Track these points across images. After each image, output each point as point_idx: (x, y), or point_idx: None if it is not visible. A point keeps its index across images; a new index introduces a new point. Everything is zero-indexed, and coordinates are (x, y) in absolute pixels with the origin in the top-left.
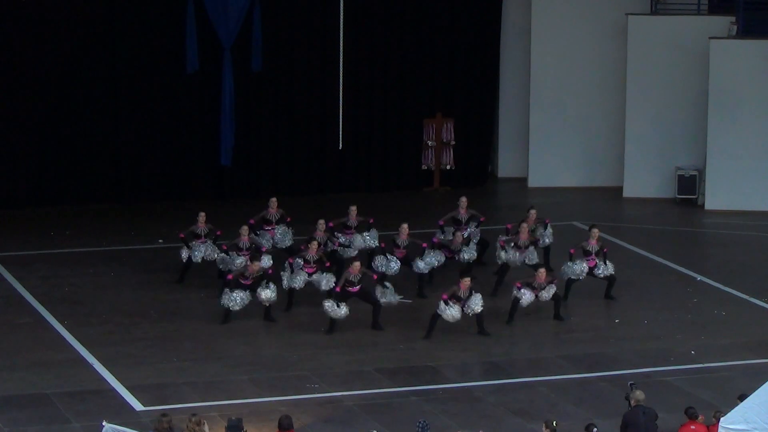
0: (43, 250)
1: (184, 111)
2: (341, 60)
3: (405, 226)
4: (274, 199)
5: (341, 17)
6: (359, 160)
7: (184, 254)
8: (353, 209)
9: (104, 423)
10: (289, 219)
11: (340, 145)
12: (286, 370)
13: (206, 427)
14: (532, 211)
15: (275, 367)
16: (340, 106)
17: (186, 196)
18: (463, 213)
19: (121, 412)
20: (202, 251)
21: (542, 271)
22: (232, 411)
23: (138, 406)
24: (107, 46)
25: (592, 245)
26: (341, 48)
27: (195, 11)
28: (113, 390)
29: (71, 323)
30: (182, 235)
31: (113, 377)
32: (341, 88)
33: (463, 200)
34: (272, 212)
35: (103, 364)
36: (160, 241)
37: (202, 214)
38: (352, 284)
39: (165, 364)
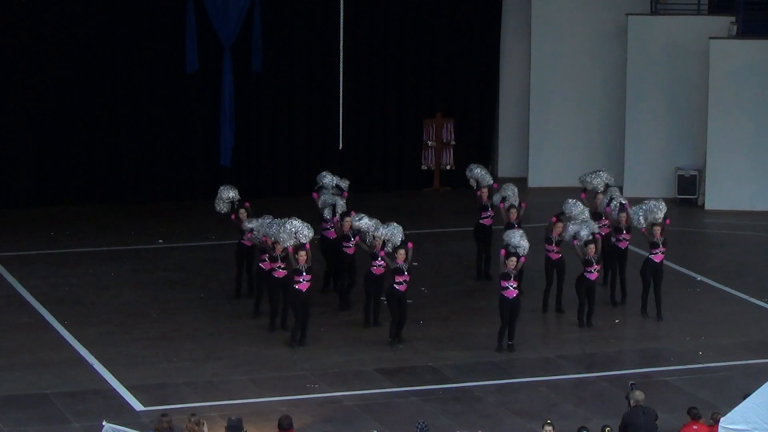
0: (43, 250)
1: (184, 111)
2: (341, 60)
3: (402, 251)
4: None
5: (341, 17)
6: (359, 160)
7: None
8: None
9: (104, 423)
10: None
11: (340, 145)
12: (286, 370)
13: (206, 427)
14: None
15: (275, 367)
16: (340, 106)
17: (186, 196)
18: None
19: (121, 412)
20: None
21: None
22: (232, 411)
23: (138, 406)
24: (107, 46)
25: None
26: (341, 48)
27: (195, 11)
28: (113, 390)
29: (71, 323)
30: (233, 216)
31: (113, 377)
32: (341, 88)
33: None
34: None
35: (103, 364)
36: (160, 241)
37: (246, 204)
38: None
39: (165, 364)
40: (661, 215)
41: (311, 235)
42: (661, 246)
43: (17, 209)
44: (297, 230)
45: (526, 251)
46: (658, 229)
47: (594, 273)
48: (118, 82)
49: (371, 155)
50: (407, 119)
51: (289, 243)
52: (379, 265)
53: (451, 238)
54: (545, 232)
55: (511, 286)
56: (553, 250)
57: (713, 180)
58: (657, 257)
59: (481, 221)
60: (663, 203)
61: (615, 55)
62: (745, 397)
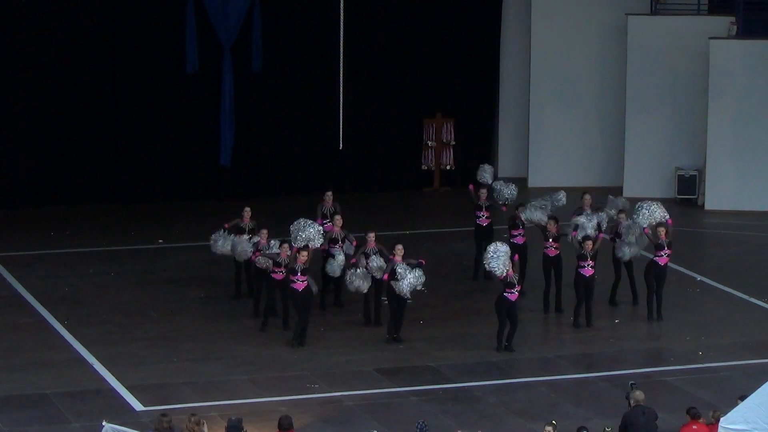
0: (43, 250)
1: (184, 111)
2: (341, 60)
3: (400, 246)
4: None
5: (341, 17)
6: (359, 160)
7: (220, 243)
8: (329, 194)
9: (104, 423)
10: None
11: (340, 145)
12: (286, 370)
13: (206, 427)
14: (587, 196)
15: (275, 367)
16: (340, 106)
17: (186, 196)
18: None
19: (121, 412)
20: (239, 245)
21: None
22: (232, 411)
23: (138, 406)
24: (107, 46)
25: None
26: (341, 48)
27: (195, 11)
28: (113, 390)
29: (71, 323)
30: (227, 225)
31: (113, 377)
32: (341, 88)
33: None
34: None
35: (103, 364)
36: (160, 241)
37: (248, 209)
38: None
39: (165, 364)
40: (660, 215)
41: (320, 243)
42: (666, 248)
43: (17, 209)
44: (311, 238)
45: (504, 260)
46: (662, 230)
47: (588, 269)
48: (118, 82)
49: (371, 155)
50: (407, 119)
51: (300, 245)
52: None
53: (451, 238)
54: (542, 231)
55: (516, 290)
56: (552, 246)
57: (713, 180)
58: (662, 260)
59: (477, 221)
60: (659, 204)
61: (615, 55)
62: (741, 398)
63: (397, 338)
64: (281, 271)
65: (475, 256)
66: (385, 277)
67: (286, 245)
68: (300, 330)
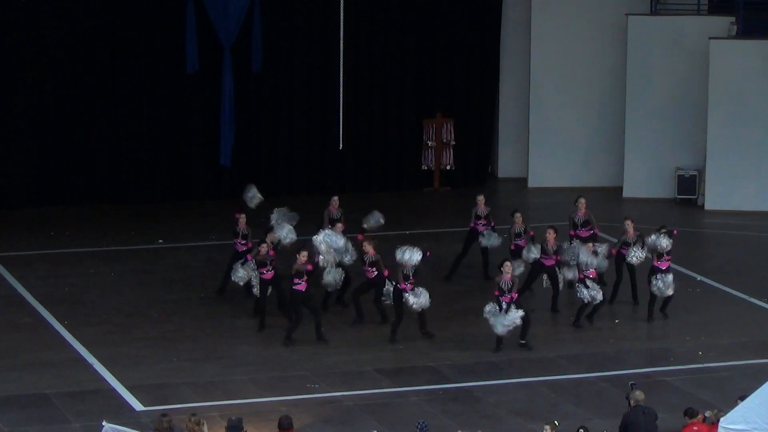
0: (43, 250)
1: (184, 111)
2: (341, 60)
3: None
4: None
5: (341, 17)
6: (359, 160)
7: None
8: (335, 199)
9: (104, 423)
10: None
11: (340, 145)
12: (286, 370)
13: (206, 427)
14: (581, 200)
15: (275, 367)
16: (340, 107)
17: (186, 196)
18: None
19: (121, 412)
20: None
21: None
22: (232, 411)
23: (138, 406)
24: (107, 45)
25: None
26: (341, 48)
27: (195, 11)
28: (113, 390)
29: (71, 323)
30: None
31: (113, 377)
32: (341, 88)
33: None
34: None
35: (103, 364)
36: (160, 241)
37: (243, 215)
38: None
39: (165, 364)
40: (667, 244)
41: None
42: (665, 254)
43: (17, 209)
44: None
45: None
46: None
47: (593, 271)
48: (118, 82)
49: (371, 155)
50: (407, 119)
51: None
52: (370, 270)
53: (451, 238)
54: (541, 244)
55: (511, 295)
56: (549, 257)
57: (713, 180)
58: (663, 264)
59: (472, 224)
60: (664, 235)
61: (615, 55)
62: (741, 398)
63: (428, 333)
64: (267, 270)
65: (457, 255)
66: (403, 285)
67: (264, 245)
68: (315, 326)
